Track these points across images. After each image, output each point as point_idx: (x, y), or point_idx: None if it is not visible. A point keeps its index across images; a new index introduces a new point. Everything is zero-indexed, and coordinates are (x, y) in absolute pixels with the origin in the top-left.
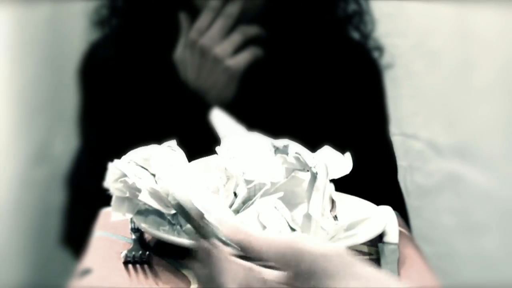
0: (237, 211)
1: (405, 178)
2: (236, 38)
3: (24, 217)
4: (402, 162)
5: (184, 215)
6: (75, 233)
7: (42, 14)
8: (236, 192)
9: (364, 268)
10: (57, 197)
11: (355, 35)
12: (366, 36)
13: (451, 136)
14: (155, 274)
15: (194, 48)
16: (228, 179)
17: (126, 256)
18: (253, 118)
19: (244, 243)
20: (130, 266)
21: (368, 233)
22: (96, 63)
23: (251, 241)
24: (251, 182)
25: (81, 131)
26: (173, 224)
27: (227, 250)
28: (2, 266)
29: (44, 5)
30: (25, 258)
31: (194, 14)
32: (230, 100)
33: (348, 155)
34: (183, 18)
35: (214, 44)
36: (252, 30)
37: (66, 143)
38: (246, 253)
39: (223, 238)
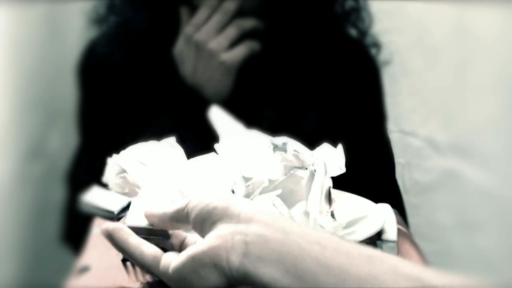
0: None
1: (403, 175)
2: (231, 32)
3: (19, 214)
4: (400, 159)
5: None
6: (75, 230)
7: (40, 12)
8: (234, 189)
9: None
10: (53, 193)
11: (353, 32)
12: (363, 32)
13: (450, 134)
14: None
15: (189, 42)
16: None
17: None
18: (251, 116)
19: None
20: (128, 263)
21: (366, 231)
22: (95, 60)
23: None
24: (249, 179)
25: (81, 128)
26: None
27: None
28: None
29: (41, 3)
30: (21, 255)
31: (192, 10)
32: (227, 95)
33: (340, 147)
34: (183, 13)
35: (209, 39)
36: (248, 23)
37: (62, 139)
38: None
39: None
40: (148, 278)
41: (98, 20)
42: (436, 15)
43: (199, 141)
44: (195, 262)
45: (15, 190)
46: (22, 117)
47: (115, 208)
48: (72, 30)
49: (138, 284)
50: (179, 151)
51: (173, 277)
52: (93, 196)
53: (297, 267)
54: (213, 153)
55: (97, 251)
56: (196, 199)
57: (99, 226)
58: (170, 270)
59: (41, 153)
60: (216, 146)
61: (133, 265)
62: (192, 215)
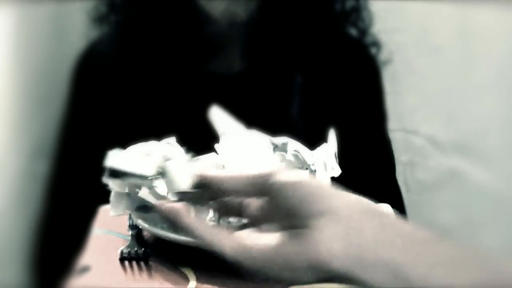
0: None
1: (405, 174)
2: None
3: (24, 212)
4: (402, 157)
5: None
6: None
7: (45, 11)
8: None
9: (341, 191)
10: None
11: (353, 31)
12: (363, 32)
13: (451, 132)
14: (153, 271)
15: None
16: None
17: (122, 252)
18: (251, 116)
19: (216, 179)
20: (127, 263)
21: None
22: (95, 59)
23: (221, 177)
24: None
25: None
26: None
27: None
28: (2, 261)
29: (46, 2)
30: (25, 253)
31: (194, 10)
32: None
33: (332, 132)
34: None
35: None
36: None
37: None
38: (219, 190)
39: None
40: (146, 277)
41: (99, 19)
42: (438, 14)
43: (199, 141)
44: (297, 258)
45: (20, 188)
46: (27, 116)
47: (149, 172)
48: (77, 29)
49: (137, 284)
50: (179, 151)
51: (269, 256)
52: (116, 162)
53: (406, 272)
54: (213, 153)
55: (97, 251)
56: (284, 174)
57: (99, 227)
58: (269, 248)
59: (45, 152)
60: (216, 146)
61: (132, 266)
62: (282, 191)
